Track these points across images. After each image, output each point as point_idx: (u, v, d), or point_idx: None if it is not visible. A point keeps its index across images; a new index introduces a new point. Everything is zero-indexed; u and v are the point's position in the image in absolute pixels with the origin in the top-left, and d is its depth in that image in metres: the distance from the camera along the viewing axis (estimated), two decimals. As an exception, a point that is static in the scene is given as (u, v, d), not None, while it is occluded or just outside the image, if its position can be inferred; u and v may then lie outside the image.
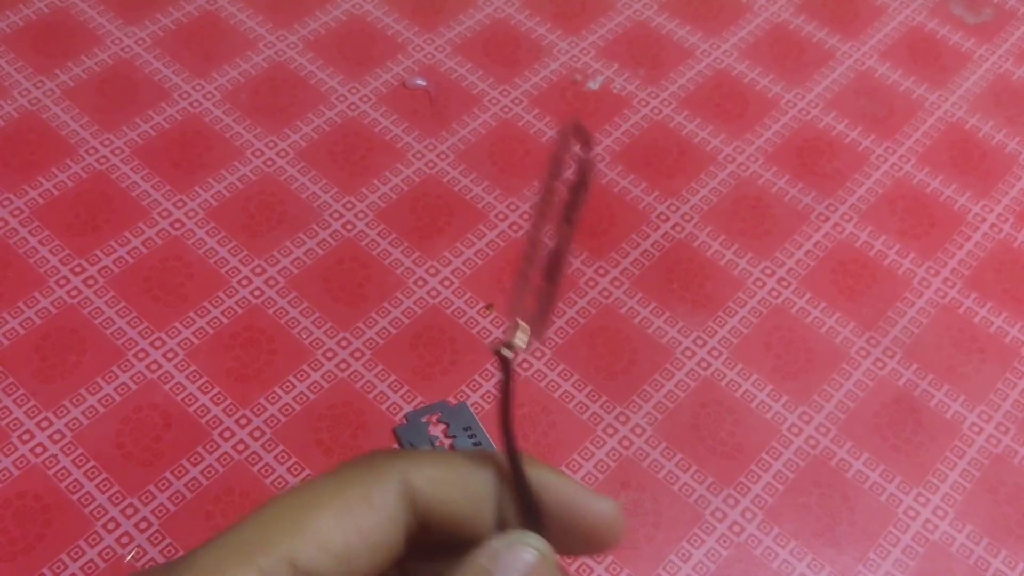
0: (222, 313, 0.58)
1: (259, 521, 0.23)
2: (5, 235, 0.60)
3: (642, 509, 0.53)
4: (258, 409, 0.54)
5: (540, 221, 0.26)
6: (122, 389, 0.55)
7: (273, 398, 0.55)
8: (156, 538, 0.50)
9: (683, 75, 0.71)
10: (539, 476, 0.26)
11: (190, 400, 0.55)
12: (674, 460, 0.54)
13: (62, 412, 0.54)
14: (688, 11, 0.75)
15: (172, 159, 0.64)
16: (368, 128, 0.66)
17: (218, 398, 0.55)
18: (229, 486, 0.52)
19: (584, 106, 0.69)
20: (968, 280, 0.62)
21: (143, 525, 0.50)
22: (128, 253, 0.60)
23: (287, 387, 0.55)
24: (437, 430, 0.54)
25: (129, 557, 0.50)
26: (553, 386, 0.56)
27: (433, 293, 0.59)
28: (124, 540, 0.50)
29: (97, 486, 0.51)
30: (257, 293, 0.59)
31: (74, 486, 0.51)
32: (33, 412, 0.54)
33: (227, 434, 0.54)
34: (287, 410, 0.55)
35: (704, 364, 0.58)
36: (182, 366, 0.56)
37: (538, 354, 0.57)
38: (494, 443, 0.54)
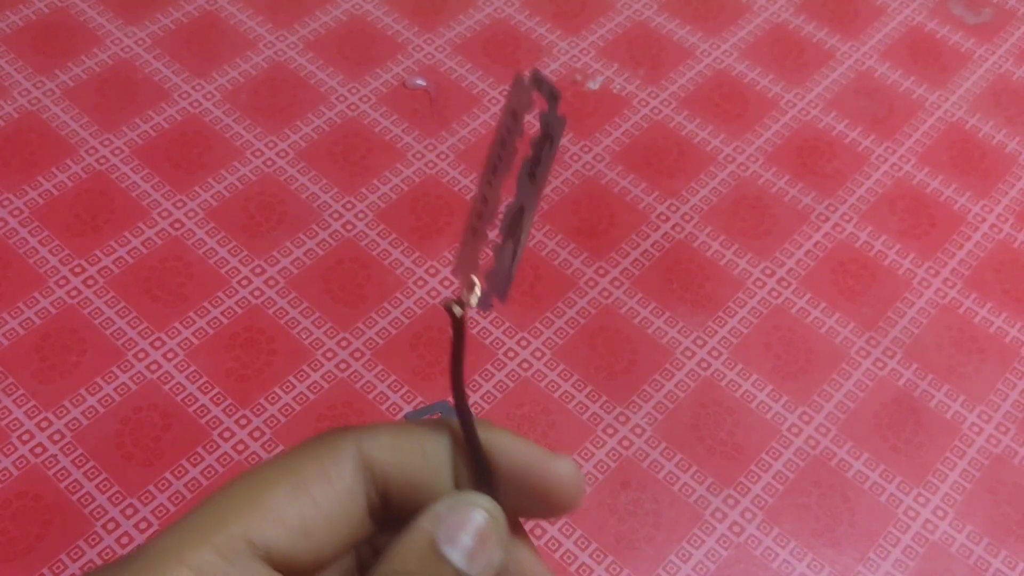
0: (222, 313, 0.58)
1: (214, 502, 0.24)
2: (5, 235, 0.60)
3: (642, 509, 0.53)
4: (258, 409, 0.54)
5: (489, 175, 0.25)
6: (122, 389, 0.55)
7: (273, 398, 0.55)
8: (156, 538, 0.50)
9: (683, 75, 0.71)
10: (495, 438, 0.26)
11: (190, 400, 0.55)
12: (674, 460, 0.54)
13: (62, 412, 0.54)
14: (688, 11, 0.75)
15: (172, 159, 0.64)
16: (368, 128, 0.66)
17: (218, 398, 0.55)
18: (229, 486, 0.52)
19: (584, 106, 0.69)
20: (968, 280, 0.62)
21: (143, 525, 0.50)
22: (128, 253, 0.60)
23: (287, 387, 0.55)
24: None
25: (129, 557, 0.50)
26: (553, 386, 0.56)
27: (433, 293, 0.59)
28: (124, 540, 0.50)
29: (97, 486, 0.51)
30: (257, 293, 0.59)
31: (74, 486, 0.51)
32: (33, 412, 0.54)
33: (227, 434, 0.54)
34: (287, 410, 0.55)
35: (704, 364, 0.58)
36: (182, 366, 0.56)
37: (538, 354, 0.57)
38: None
